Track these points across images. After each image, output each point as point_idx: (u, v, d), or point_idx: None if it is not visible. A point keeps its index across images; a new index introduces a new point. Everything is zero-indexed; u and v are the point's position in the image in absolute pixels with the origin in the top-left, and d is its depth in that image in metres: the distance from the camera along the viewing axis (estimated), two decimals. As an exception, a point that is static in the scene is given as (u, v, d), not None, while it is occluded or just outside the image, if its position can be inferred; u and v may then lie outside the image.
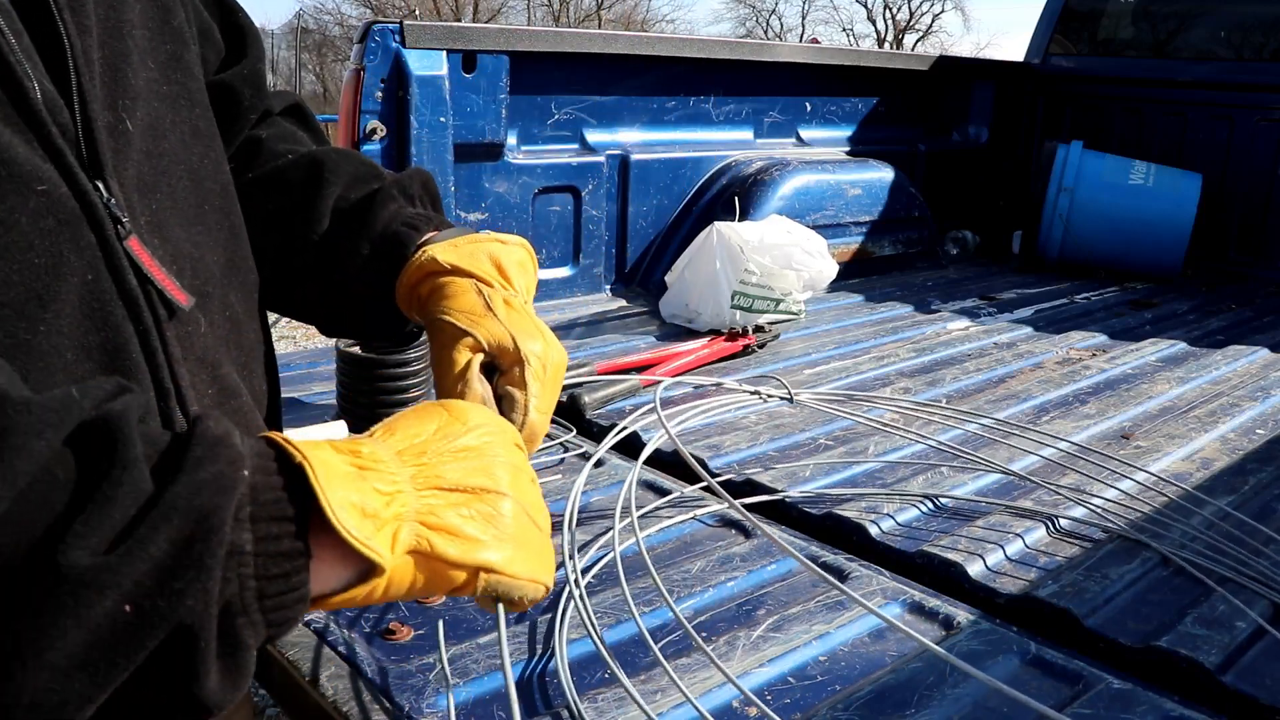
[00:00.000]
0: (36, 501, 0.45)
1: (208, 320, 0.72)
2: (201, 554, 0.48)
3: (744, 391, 1.51)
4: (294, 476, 0.54)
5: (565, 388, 1.71)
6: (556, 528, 1.30)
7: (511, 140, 2.40)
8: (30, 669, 0.45)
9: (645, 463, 1.38)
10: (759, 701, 0.88)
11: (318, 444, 0.57)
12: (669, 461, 1.52)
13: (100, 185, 0.61)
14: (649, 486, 1.40)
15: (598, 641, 0.96)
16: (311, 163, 0.94)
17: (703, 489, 1.39)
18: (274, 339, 0.95)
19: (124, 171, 0.65)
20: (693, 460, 1.13)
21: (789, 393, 1.51)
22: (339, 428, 1.47)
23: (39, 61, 0.59)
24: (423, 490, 0.59)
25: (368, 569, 0.55)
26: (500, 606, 0.64)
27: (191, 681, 0.49)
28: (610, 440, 1.37)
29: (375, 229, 0.91)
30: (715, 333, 2.14)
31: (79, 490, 0.47)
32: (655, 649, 0.92)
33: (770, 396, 1.52)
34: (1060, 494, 1.37)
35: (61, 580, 0.45)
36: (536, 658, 1.01)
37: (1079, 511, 1.34)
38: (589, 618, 0.99)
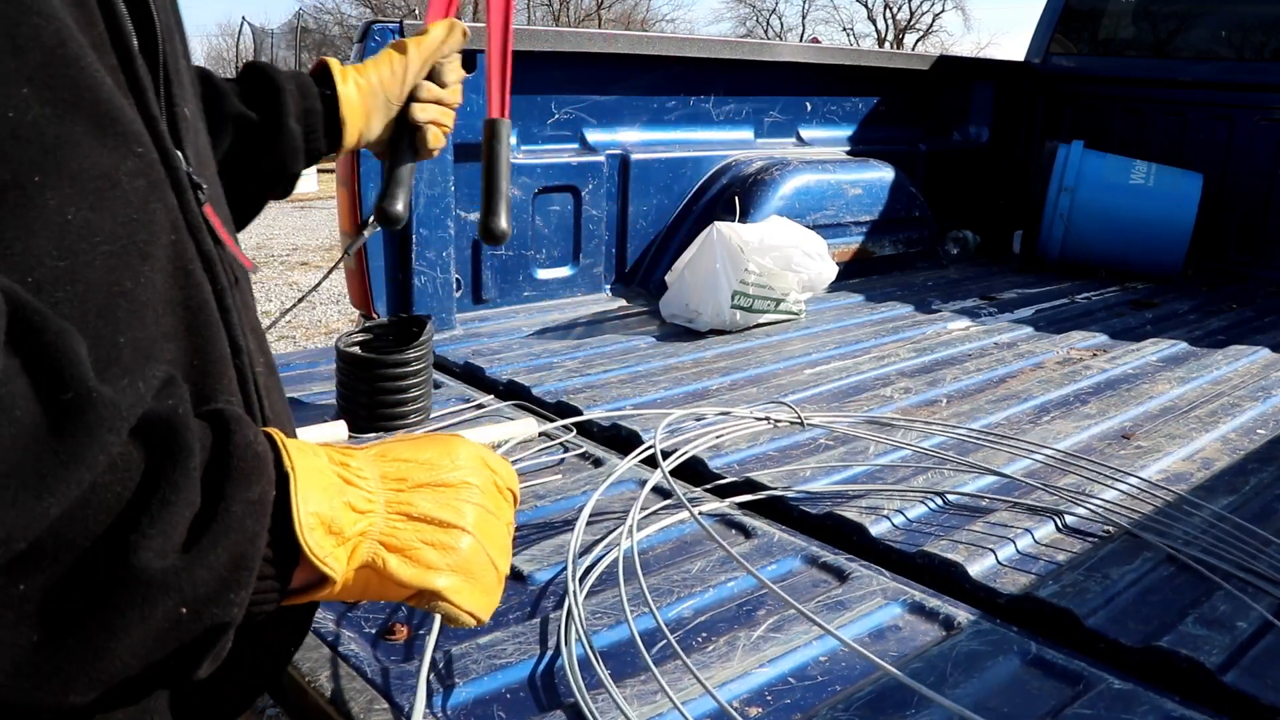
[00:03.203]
0: (104, 492, 0.48)
1: (245, 296, 0.76)
2: (250, 569, 0.53)
3: (752, 418, 1.51)
4: (283, 481, 0.58)
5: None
6: (553, 527, 1.31)
7: (512, 140, 2.40)
8: (97, 655, 0.48)
9: (645, 462, 1.38)
10: (729, 709, 0.88)
11: (311, 450, 0.61)
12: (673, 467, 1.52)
13: (181, 154, 0.65)
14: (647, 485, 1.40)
15: (589, 649, 0.96)
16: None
17: (707, 489, 1.38)
18: (273, 339, 0.99)
19: (189, 144, 0.69)
20: (681, 496, 1.12)
21: (799, 417, 1.51)
22: (339, 428, 1.47)
23: (134, 31, 0.62)
24: (391, 515, 0.63)
25: (321, 577, 0.60)
26: (437, 618, 0.67)
27: (196, 666, 0.54)
28: (628, 462, 1.36)
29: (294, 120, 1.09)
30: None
31: (142, 487, 0.50)
32: (647, 656, 0.92)
33: (779, 422, 1.52)
34: (1062, 495, 1.37)
35: (132, 579, 0.48)
36: (540, 656, 1.00)
37: (1080, 511, 1.34)
38: (584, 630, 0.99)
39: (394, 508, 0.64)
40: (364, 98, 1.15)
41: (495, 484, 0.70)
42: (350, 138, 1.14)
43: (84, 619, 0.47)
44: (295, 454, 0.58)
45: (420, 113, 1.19)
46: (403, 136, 1.19)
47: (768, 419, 1.51)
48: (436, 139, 1.21)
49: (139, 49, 0.62)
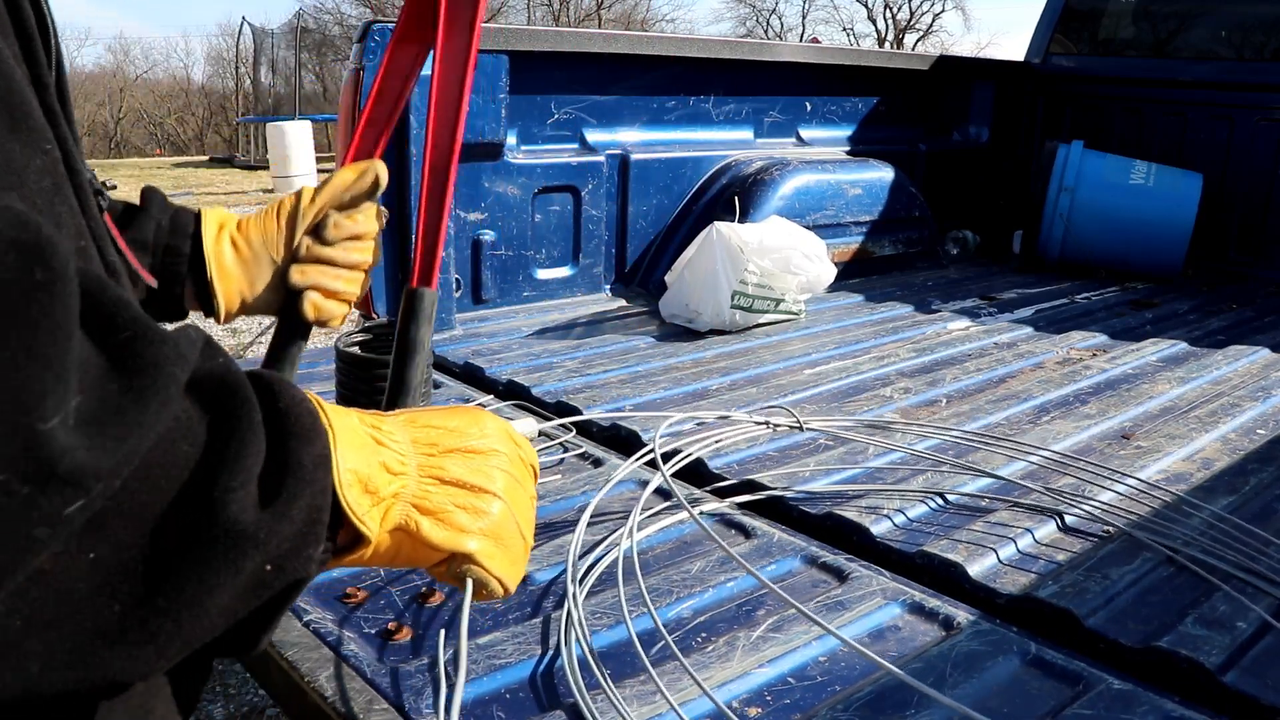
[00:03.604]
0: (172, 450, 0.47)
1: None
2: (324, 523, 0.54)
3: (751, 423, 1.51)
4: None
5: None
6: (557, 531, 1.30)
7: (511, 140, 2.40)
8: (193, 615, 0.48)
9: (645, 463, 1.38)
10: (726, 710, 0.88)
11: (344, 410, 0.60)
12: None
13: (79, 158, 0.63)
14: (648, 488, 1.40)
15: (587, 650, 0.96)
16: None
17: (709, 491, 1.38)
18: (262, 340, 0.97)
19: (82, 148, 0.66)
20: (683, 504, 1.12)
21: (798, 422, 1.51)
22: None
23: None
24: (424, 478, 0.63)
25: (357, 538, 0.59)
26: (469, 583, 0.67)
27: (268, 627, 0.53)
28: (630, 464, 1.36)
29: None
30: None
31: (210, 443, 0.48)
32: (645, 658, 0.92)
33: (779, 427, 1.52)
34: (1062, 496, 1.37)
35: (223, 535, 0.47)
36: (540, 656, 1.00)
37: (1080, 511, 1.34)
38: (583, 631, 0.99)
39: (426, 471, 0.64)
40: (243, 258, 0.99)
41: (520, 456, 0.71)
42: (227, 300, 0.99)
43: (175, 578, 0.46)
44: (331, 413, 0.58)
45: (298, 275, 0.99)
46: (294, 305, 0.99)
47: (766, 423, 1.51)
48: (317, 309, 1.00)
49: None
